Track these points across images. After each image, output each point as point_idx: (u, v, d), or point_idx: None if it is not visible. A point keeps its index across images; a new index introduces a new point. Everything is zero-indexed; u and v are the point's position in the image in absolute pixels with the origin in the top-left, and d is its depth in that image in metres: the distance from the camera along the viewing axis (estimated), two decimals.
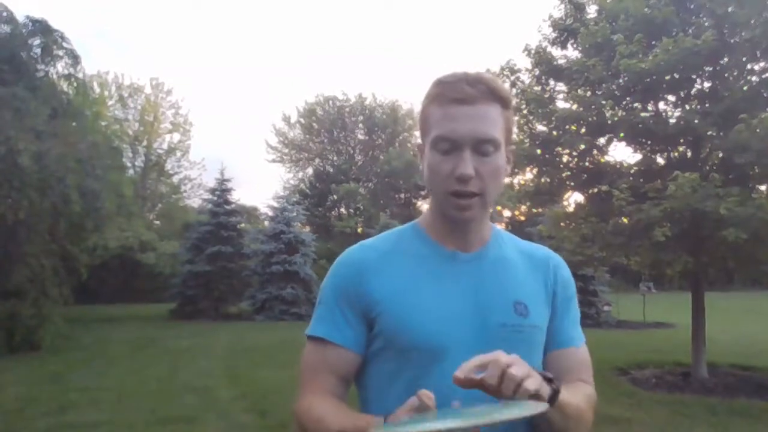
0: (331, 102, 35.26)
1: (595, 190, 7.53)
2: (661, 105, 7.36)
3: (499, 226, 1.20)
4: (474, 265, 1.08)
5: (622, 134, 7.16)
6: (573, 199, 8.52)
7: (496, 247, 1.12)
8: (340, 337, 1.05)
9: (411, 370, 1.00)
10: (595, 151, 7.57)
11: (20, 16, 10.94)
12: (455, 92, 0.99)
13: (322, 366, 1.05)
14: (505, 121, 1.03)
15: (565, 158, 7.73)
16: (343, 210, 33.34)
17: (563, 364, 1.11)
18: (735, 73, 6.85)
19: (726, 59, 6.66)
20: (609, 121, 7.00)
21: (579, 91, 7.14)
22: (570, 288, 1.17)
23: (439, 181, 1.02)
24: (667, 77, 6.65)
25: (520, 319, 1.04)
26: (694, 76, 6.90)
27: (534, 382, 0.82)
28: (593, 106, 6.94)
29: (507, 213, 29.76)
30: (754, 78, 6.76)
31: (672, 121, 6.98)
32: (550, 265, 1.16)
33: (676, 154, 7.39)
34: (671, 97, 7.30)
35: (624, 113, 6.96)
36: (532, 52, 7.76)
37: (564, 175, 7.80)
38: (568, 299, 1.16)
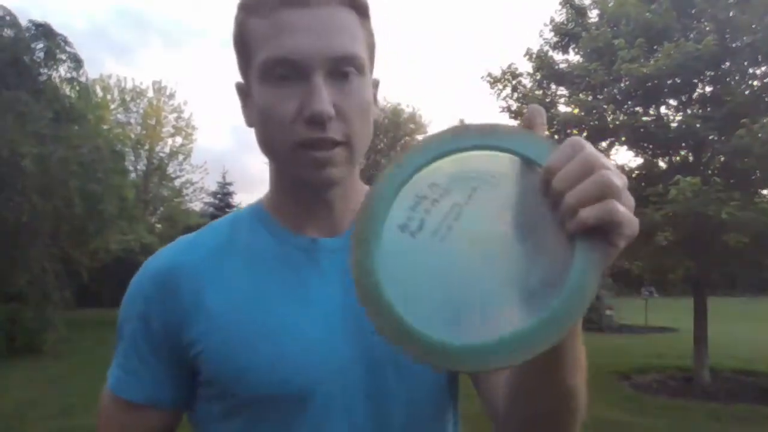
0: None
1: None
2: (663, 109, 7.38)
3: None
4: (346, 255, 0.68)
5: (623, 138, 7.17)
6: None
7: None
8: (143, 394, 0.72)
9: (266, 430, 0.68)
10: None
11: (23, 20, 11.01)
12: None
13: (124, 429, 0.74)
14: (366, 36, 0.70)
15: None
16: None
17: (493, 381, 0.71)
18: (736, 78, 6.87)
19: (727, 64, 6.68)
20: (610, 126, 7.02)
21: (580, 95, 7.17)
22: None
23: (278, 128, 0.66)
24: (669, 81, 6.68)
25: None
26: (695, 81, 6.93)
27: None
28: (595, 111, 6.96)
29: None
30: (755, 83, 6.79)
31: (673, 125, 6.99)
32: None
33: (678, 158, 7.41)
34: (673, 102, 7.33)
35: (625, 117, 6.98)
36: (534, 56, 7.79)
37: None
38: None
